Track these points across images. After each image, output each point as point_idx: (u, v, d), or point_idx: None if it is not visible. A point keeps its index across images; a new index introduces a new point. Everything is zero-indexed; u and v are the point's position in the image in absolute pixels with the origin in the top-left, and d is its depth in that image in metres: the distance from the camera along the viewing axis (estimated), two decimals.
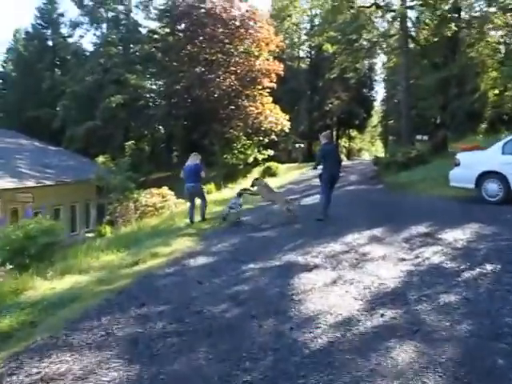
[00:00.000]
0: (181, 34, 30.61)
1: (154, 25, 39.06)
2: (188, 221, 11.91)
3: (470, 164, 12.01)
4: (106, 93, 33.43)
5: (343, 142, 63.24)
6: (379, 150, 79.83)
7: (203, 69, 29.82)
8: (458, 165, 12.31)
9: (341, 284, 6.00)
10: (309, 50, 52.55)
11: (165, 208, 16.97)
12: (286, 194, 16.01)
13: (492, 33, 29.30)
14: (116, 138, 33.27)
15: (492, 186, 11.45)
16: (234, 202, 11.53)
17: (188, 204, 12.96)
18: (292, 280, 6.23)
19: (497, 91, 41.02)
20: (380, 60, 53.69)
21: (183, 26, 30.43)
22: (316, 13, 47.43)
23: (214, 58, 29.57)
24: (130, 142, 20.60)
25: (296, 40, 53.31)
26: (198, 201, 12.26)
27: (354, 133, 62.68)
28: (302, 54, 54.99)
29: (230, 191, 21.90)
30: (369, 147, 79.35)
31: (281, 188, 19.00)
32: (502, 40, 37.27)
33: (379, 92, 58.60)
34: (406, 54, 23.57)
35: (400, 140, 39.86)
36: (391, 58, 30.61)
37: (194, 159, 12.23)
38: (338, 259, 7.23)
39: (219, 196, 19.09)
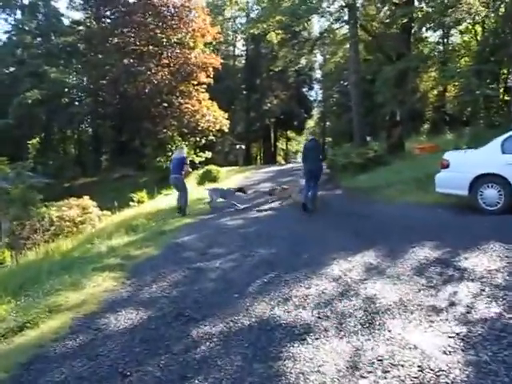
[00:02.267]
0: (108, 21, 27.16)
1: (79, 16, 35.47)
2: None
3: (462, 166, 9.85)
4: (21, 87, 29.34)
5: (280, 143, 61.33)
6: None
7: (132, 60, 26.58)
8: (446, 167, 10.11)
9: (367, 373, 3.53)
10: (245, 47, 50.17)
11: (86, 222, 13.93)
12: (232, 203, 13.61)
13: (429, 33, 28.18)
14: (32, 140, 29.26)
15: (491, 193, 9.32)
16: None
17: (176, 194, 13.59)
18: (276, 367, 3.72)
19: (435, 92, 40.62)
20: (321, 57, 52.73)
21: (108, 13, 27.07)
22: (252, 8, 45.37)
23: (144, 49, 26.42)
24: (34, 141, 15.80)
25: (231, 37, 50.85)
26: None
27: (292, 134, 60.86)
28: (237, 51, 52.57)
29: (165, 199, 19.03)
30: None
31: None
32: (440, 40, 36.77)
33: (318, 92, 57.50)
34: (356, 45, 21.59)
35: (340, 141, 38.49)
36: (337, 53, 28.96)
37: (179, 152, 13.59)
38: (338, 311, 4.81)
39: (152, 206, 16.14)
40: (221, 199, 13.57)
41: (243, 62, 51.64)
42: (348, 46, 23.80)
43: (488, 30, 28.50)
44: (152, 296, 5.69)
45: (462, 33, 34.26)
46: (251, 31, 22.73)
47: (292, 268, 6.47)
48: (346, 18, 20.51)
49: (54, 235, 12.97)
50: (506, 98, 26.44)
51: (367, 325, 4.40)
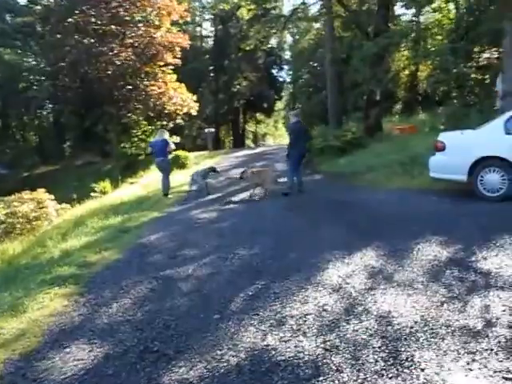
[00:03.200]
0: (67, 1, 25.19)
1: None
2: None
3: (459, 148, 8.86)
4: None
5: (249, 126, 59.96)
6: (283, 134, 77.83)
7: (92, 40, 24.77)
8: (441, 149, 9.11)
9: None
10: (213, 27, 48.43)
11: (41, 219, 12.53)
12: (202, 194, 12.46)
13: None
14: None
15: (493, 178, 8.39)
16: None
17: (161, 177, 13.49)
18: None
19: (407, 71, 39.91)
20: (291, 38, 51.34)
21: None
22: None
23: (106, 28, 24.63)
24: None
25: (198, 17, 49.00)
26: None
27: (261, 117, 59.54)
28: (205, 32, 50.77)
29: (130, 188, 17.70)
30: (273, 132, 76.55)
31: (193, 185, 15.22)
32: (413, 19, 35.92)
33: (288, 74, 55.78)
34: (331, 21, 20.48)
35: (311, 123, 37.46)
36: (310, 31, 27.79)
37: (160, 134, 13.45)
38: (348, 337, 3.78)
39: (116, 197, 14.76)
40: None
41: (211, 43, 49.92)
42: (322, 23, 22.67)
43: (462, 7, 27.81)
44: (111, 321, 4.52)
45: (434, 11, 33.53)
46: (221, 7, 21.48)
47: (281, 274, 5.41)
48: None
49: (5, 234, 11.56)
50: (478, 76, 25.81)
51: (391, 360, 3.36)
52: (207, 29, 50.83)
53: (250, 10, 19.95)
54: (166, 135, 13.49)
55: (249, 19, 24.82)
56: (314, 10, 22.52)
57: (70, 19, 24.16)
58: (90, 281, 5.85)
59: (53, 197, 14.14)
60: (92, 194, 17.15)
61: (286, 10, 25.64)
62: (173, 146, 13.58)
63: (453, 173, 8.87)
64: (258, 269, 5.73)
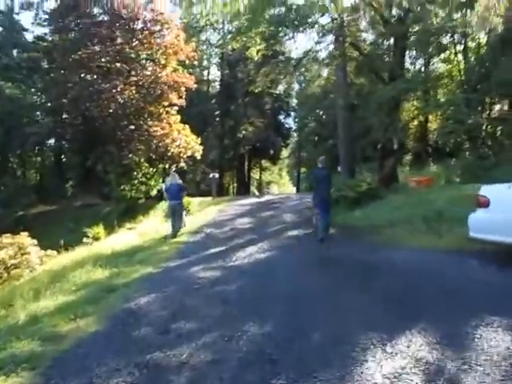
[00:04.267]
0: (72, 35, 24.41)
1: (44, 31, 32.78)
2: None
3: (508, 205, 7.55)
4: None
5: (254, 173, 58.85)
6: (286, 183, 76.69)
7: (96, 77, 23.94)
8: (485, 205, 7.79)
9: None
10: (220, 71, 48.04)
11: (21, 267, 11.12)
12: (205, 246, 11.17)
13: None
14: None
15: None
16: None
17: (170, 220, 13.91)
18: None
19: (416, 122, 39.12)
20: (298, 85, 50.96)
21: (73, 24, 24.42)
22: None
23: (110, 65, 23.85)
24: None
25: (205, 61, 48.75)
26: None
27: (266, 164, 58.51)
28: (212, 76, 50.36)
29: (126, 235, 16.33)
30: (278, 180, 75.53)
31: (196, 234, 13.88)
32: (422, 69, 35.41)
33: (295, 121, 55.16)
34: (344, 64, 19.61)
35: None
36: (320, 75, 26.99)
37: (174, 178, 13.84)
38: None
39: (109, 244, 13.27)
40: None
41: (218, 87, 49.44)
42: (334, 67, 21.82)
43: (472, 58, 27.30)
44: None
45: (444, 61, 33.08)
46: (229, 49, 20.72)
47: (304, 368, 4.07)
48: (333, 35, 18.53)
49: None
50: (490, 129, 24.89)
51: None
52: (214, 74, 50.52)
53: (258, 50, 19.04)
54: (178, 178, 14.05)
55: (257, 61, 23.89)
56: (324, 54, 21.61)
57: (73, 55, 23.41)
58: (52, 365, 4.45)
59: (35, 242, 12.75)
60: (84, 239, 15.80)
61: (296, 54, 24.83)
62: (185, 192, 14.32)
63: (499, 233, 7.46)
64: (273, 356, 4.37)
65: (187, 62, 27.85)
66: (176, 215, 13.59)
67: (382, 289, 6.51)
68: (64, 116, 26.02)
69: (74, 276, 8.47)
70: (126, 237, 14.80)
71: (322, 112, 43.69)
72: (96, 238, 15.97)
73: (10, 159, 35.72)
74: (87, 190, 32.23)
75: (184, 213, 14.64)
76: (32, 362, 4.48)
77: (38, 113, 29.27)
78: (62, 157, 37.36)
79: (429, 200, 13.72)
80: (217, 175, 31.58)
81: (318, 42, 17.57)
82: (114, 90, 23.16)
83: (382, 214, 13.61)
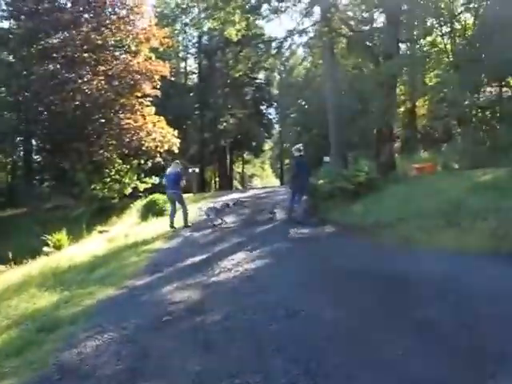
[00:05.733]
0: (31, 22, 21.98)
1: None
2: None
3: None
4: None
5: (236, 167, 56.88)
6: (269, 175, 74.89)
7: (59, 66, 21.68)
8: None
9: None
10: (197, 61, 45.87)
11: None
12: (182, 255, 9.28)
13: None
14: None
15: None
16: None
17: (170, 209, 13.90)
18: None
19: (402, 108, 37.55)
20: (278, 76, 49.17)
21: (31, 9, 22.00)
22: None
23: (76, 54, 21.59)
24: None
25: (182, 52, 46.54)
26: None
27: (248, 157, 56.62)
28: (189, 68, 48.08)
29: (92, 242, 14.29)
30: (260, 173, 73.68)
31: (172, 238, 11.97)
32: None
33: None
34: (331, 44, 17.79)
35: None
36: (303, 60, 25.29)
37: (174, 167, 13.65)
38: None
39: (67, 257, 10.98)
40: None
41: (196, 80, 47.29)
42: (320, 49, 20.01)
43: (460, 39, 25.85)
44: None
45: (432, 45, 31.59)
46: (207, 25, 18.91)
47: None
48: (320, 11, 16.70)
49: None
50: (484, 112, 23.42)
51: None
52: (192, 65, 48.32)
53: (238, 30, 17.14)
54: (179, 167, 13.88)
55: (237, 45, 21.88)
56: (309, 36, 19.71)
57: (35, 45, 21.21)
58: None
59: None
60: (44, 248, 13.74)
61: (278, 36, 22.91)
62: (184, 182, 13.99)
63: None
64: None
65: (161, 49, 25.74)
66: (176, 205, 13.43)
67: (427, 322, 4.69)
68: (25, 111, 23.60)
69: (9, 305, 6.51)
70: (93, 244, 12.79)
71: (304, 102, 42.25)
72: (57, 247, 13.90)
73: None
74: (61, 191, 30.07)
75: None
76: None
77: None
78: (34, 156, 34.92)
79: (439, 190, 12.00)
80: (196, 170, 29.61)
81: (305, 16, 15.58)
82: (79, 81, 20.98)
83: (388, 207, 11.81)
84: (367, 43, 16.78)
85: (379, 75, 15.24)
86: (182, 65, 47.26)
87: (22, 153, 34.94)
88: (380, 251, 8.43)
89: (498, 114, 21.76)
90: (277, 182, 59.12)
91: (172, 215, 13.37)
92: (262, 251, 9.10)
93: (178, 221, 13.47)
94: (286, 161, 54.33)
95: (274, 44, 19.08)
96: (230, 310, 5.56)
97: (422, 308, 5.08)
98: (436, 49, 30.87)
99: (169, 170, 13.72)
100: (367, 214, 11.87)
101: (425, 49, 32.29)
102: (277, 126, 53.19)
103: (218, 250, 9.76)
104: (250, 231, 11.82)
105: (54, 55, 21.99)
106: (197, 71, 46.54)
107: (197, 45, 45.11)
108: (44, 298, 6.79)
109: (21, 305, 6.50)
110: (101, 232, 17.32)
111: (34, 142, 31.32)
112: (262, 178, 73.04)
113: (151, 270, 8.06)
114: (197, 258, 8.87)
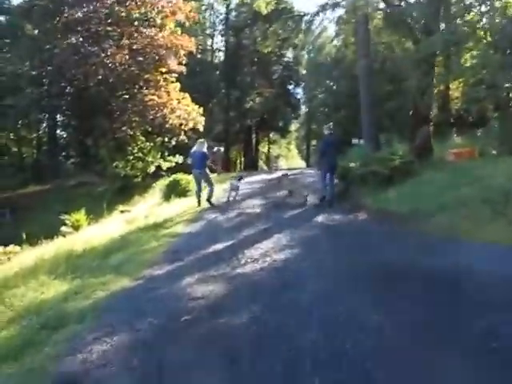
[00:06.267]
0: None
1: None
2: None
3: None
4: None
5: (261, 147, 55.87)
6: (295, 156, 73.76)
7: (82, 39, 21.03)
8: None
9: None
10: (224, 38, 44.79)
11: None
12: (205, 240, 8.66)
13: None
14: None
15: None
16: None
17: (195, 188, 13.84)
18: None
19: (435, 91, 36.10)
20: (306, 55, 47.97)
21: None
22: None
23: (99, 27, 20.93)
24: None
25: (209, 30, 45.59)
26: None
27: (275, 137, 55.57)
28: (215, 45, 47.05)
29: (115, 221, 13.75)
30: (286, 153, 72.54)
31: (195, 221, 11.33)
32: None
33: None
34: (366, 19, 16.80)
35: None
36: (338, 34, 24.19)
37: (200, 145, 13.40)
38: None
39: (84, 239, 10.25)
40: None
41: (222, 57, 46.29)
42: (353, 25, 19.00)
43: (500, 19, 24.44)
44: None
45: (470, 24, 30.11)
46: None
47: None
48: None
49: None
50: None
51: None
52: (218, 43, 47.25)
53: (268, 3, 16.26)
54: (205, 147, 13.54)
55: (265, 20, 20.89)
56: (342, 12, 18.67)
57: (59, 17, 20.60)
58: None
59: None
60: (63, 228, 13.24)
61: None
62: (208, 162, 13.77)
63: None
64: None
65: (187, 24, 24.90)
66: (201, 184, 13.41)
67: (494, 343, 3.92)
68: (48, 85, 23.07)
69: (15, 294, 5.92)
70: (112, 225, 12.20)
71: (332, 83, 41.19)
72: (75, 227, 13.39)
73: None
74: (86, 168, 29.78)
75: (234, 185, 14.02)
76: None
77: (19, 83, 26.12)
78: (60, 132, 34.68)
79: (481, 177, 11.06)
80: (221, 149, 28.85)
81: None
82: (102, 55, 20.33)
83: (426, 195, 10.94)
84: (406, 19, 15.67)
85: (418, 52, 14.21)
86: (209, 42, 46.27)
87: (46, 129, 34.76)
88: (423, 243, 7.62)
89: None
90: (303, 164, 58.12)
91: (198, 194, 13.32)
92: (291, 239, 8.38)
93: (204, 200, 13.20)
94: (313, 142, 53.36)
95: (305, 18, 18.05)
96: (258, 310, 4.88)
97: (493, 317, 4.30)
98: (474, 28, 29.42)
99: (194, 149, 13.44)
100: (404, 200, 11.04)
101: (464, 28, 30.85)
102: (304, 107, 51.98)
103: (243, 236, 9.08)
104: (277, 216, 11.10)
105: (78, 28, 21.30)
106: (223, 49, 45.49)
107: (224, 21, 44.05)
108: (53, 286, 6.20)
109: (28, 294, 5.90)
110: (122, 212, 16.84)
111: (59, 117, 31.11)
112: (288, 158, 72.00)
113: (171, 258, 7.42)
114: (220, 245, 8.20)
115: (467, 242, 7.37)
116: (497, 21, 24.62)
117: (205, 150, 13.40)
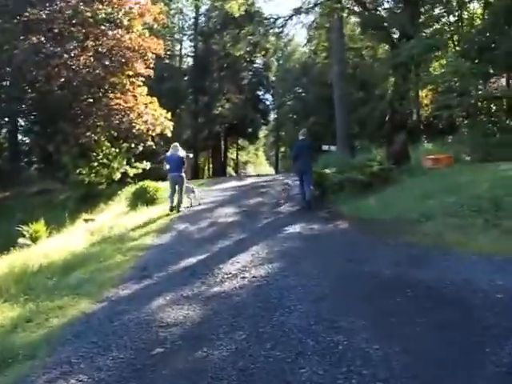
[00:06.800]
0: None
1: None
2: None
3: None
4: None
5: (230, 153, 55.09)
6: (263, 163, 73.54)
7: (43, 39, 19.94)
8: None
9: None
10: (193, 44, 44.00)
11: None
12: (175, 254, 7.95)
13: None
14: None
15: None
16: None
17: (169, 193, 13.65)
18: None
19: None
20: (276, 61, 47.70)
21: None
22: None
23: (63, 28, 19.89)
24: None
25: (178, 35, 44.72)
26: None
27: (243, 143, 54.94)
28: (184, 51, 46.13)
29: (78, 231, 12.80)
30: (254, 160, 72.13)
31: (164, 232, 10.57)
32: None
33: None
34: (341, 24, 16.38)
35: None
36: (311, 39, 23.84)
37: (175, 150, 13.48)
38: None
39: (42, 253, 9.31)
40: None
41: (191, 63, 45.40)
42: (327, 30, 18.58)
43: (469, 28, 24.73)
44: None
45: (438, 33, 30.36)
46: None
47: None
48: None
49: None
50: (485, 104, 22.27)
51: None
52: (187, 48, 46.39)
53: (240, 5, 15.75)
54: (180, 151, 13.59)
55: (237, 23, 20.35)
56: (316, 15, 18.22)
57: (18, 17, 19.53)
58: None
59: None
60: (20, 239, 12.21)
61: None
62: (185, 165, 13.89)
63: None
64: None
65: (155, 26, 24.11)
66: (177, 188, 13.34)
67: None
68: (6, 88, 21.94)
69: None
70: (74, 236, 11.28)
71: (301, 90, 41.11)
72: (34, 239, 12.41)
73: None
74: (49, 175, 28.62)
75: (189, 187, 14.25)
76: None
77: None
78: (22, 138, 33.36)
79: (463, 184, 10.71)
80: (191, 155, 28.02)
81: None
82: (66, 56, 19.30)
83: (408, 202, 10.49)
84: (383, 24, 15.30)
85: (397, 57, 13.83)
86: (177, 47, 45.41)
87: (7, 134, 33.41)
88: (412, 254, 7.06)
89: (505, 106, 20.96)
90: (271, 170, 57.79)
91: (171, 199, 13.30)
92: (269, 252, 7.73)
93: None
94: (282, 149, 53.15)
95: (278, 22, 17.53)
96: (242, 339, 4.20)
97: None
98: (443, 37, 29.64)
99: (171, 153, 13.51)
100: (385, 208, 10.55)
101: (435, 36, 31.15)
102: (273, 113, 51.63)
103: (217, 248, 8.39)
104: (252, 225, 10.45)
105: (40, 29, 20.20)
106: (192, 54, 44.68)
107: (193, 27, 43.30)
108: (1, 312, 5.38)
109: None
110: (86, 221, 15.86)
111: (21, 122, 29.94)
112: (256, 165, 71.71)
113: (138, 275, 6.66)
114: (193, 259, 7.49)
115: (459, 254, 6.85)
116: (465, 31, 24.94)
117: (180, 153, 13.50)
